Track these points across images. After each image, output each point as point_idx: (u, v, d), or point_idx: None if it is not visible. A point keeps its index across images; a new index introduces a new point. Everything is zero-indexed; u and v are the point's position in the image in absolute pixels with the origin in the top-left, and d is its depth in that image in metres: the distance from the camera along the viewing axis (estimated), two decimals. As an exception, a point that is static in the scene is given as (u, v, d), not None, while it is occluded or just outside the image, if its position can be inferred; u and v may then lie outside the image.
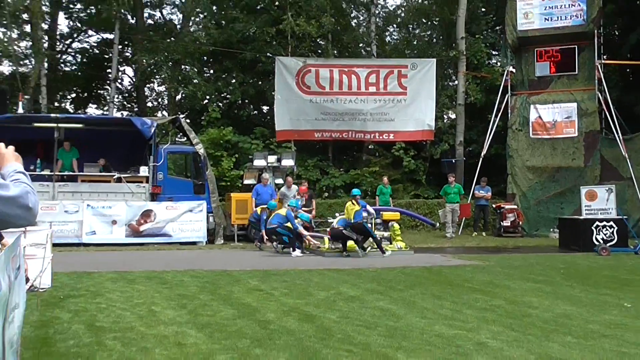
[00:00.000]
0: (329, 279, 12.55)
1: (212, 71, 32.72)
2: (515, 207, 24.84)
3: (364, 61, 29.74)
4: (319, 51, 31.41)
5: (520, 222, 24.57)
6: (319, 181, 28.34)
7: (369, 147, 30.50)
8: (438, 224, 23.57)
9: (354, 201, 17.57)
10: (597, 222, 19.57)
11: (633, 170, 24.08)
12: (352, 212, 17.17)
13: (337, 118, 27.73)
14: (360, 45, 33.65)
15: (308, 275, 13.09)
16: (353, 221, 17.10)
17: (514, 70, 27.24)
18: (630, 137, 25.00)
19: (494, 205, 25.34)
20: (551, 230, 24.20)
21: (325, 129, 27.86)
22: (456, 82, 30.90)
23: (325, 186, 28.04)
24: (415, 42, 35.13)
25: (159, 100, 37.00)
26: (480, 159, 26.13)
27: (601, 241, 19.15)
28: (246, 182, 23.77)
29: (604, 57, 26.66)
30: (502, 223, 24.38)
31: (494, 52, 33.09)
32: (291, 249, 17.47)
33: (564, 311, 9.41)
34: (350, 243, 17.41)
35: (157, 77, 34.11)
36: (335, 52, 31.09)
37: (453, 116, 31.00)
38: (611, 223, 19.48)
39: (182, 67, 31.80)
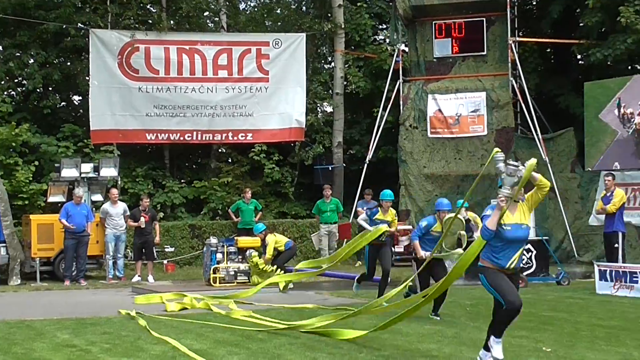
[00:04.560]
0: (167, 328, 12.59)
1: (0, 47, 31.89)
2: (410, 227, 25.39)
3: (210, 36, 29.76)
4: (150, 22, 31.17)
5: (417, 247, 25.23)
6: (152, 197, 28.12)
7: (219, 150, 30.59)
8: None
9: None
10: (512, 245, 20.45)
11: (555, 179, 24.87)
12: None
13: (176, 113, 27.73)
14: (206, 14, 33.61)
15: (138, 324, 13.09)
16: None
17: (406, 50, 28.08)
18: (552, 136, 26.12)
19: (383, 226, 25.99)
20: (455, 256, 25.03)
21: (160, 128, 27.75)
22: (332, 64, 31.43)
23: (161, 204, 27.85)
24: (278, 11, 35.44)
25: None
26: (365, 166, 26.82)
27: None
28: (51, 199, 23.40)
29: (520, 33, 27.82)
30: (393, 249, 25.06)
31: (381, 26, 33.89)
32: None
33: (469, 360, 9.93)
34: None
35: None
36: (172, 22, 30.96)
37: (329, 109, 31.52)
38: (528, 246, 20.39)
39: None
